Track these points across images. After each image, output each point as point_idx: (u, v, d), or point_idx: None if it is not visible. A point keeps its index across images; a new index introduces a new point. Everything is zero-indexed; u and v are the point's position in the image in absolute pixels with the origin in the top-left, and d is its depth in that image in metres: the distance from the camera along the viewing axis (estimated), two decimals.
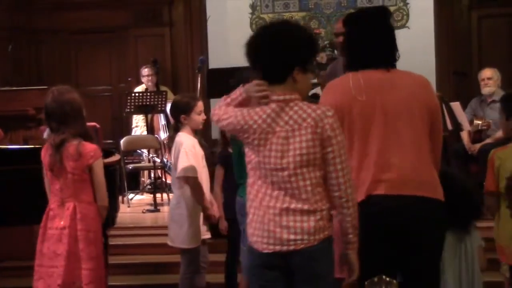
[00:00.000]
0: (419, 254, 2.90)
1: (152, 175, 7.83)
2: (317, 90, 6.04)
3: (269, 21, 3.34)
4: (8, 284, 5.42)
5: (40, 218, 3.78)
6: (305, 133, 2.65)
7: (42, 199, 3.85)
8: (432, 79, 6.96)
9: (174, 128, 4.49)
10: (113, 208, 4.63)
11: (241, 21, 9.57)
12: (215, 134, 8.54)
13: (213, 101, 8.00)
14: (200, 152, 4.40)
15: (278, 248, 2.68)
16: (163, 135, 8.20)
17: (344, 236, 2.73)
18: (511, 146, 3.89)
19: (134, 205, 7.50)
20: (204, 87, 7.42)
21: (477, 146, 6.70)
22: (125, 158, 7.70)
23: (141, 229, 6.53)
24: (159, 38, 9.33)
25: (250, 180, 2.79)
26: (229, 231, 4.60)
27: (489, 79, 6.91)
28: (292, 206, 2.67)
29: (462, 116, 6.65)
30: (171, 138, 4.48)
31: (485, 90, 6.94)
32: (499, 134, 6.46)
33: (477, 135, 6.94)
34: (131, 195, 7.65)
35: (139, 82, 8.58)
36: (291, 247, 2.67)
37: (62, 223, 3.67)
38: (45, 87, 5.43)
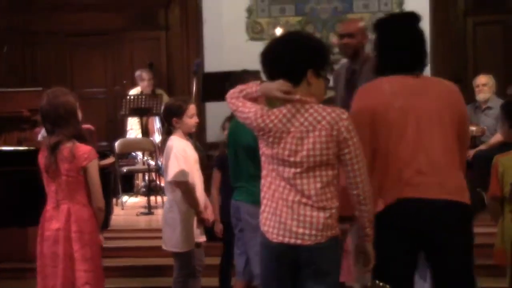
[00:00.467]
0: (451, 256, 2.94)
1: (147, 178, 7.82)
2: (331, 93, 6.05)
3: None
4: (7, 286, 5.41)
5: (35, 219, 3.78)
6: (319, 135, 2.78)
7: (37, 201, 3.84)
8: None
9: (166, 132, 4.48)
10: (107, 210, 4.63)
11: (237, 25, 9.56)
12: (210, 137, 8.57)
13: (208, 104, 8.02)
14: (192, 155, 4.38)
15: (287, 240, 2.82)
16: (158, 138, 8.18)
17: (362, 230, 2.90)
18: None
19: (128, 207, 7.48)
20: (199, 91, 7.42)
21: (472, 152, 6.71)
22: (119, 160, 7.68)
23: (135, 231, 6.53)
24: (155, 41, 9.34)
25: (263, 172, 2.93)
26: (224, 234, 4.61)
27: (483, 85, 6.92)
28: (304, 200, 2.81)
29: None
30: (164, 142, 4.48)
31: (480, 96, 6.94)
32: (494, 140, 6.49)
33: (472, 141, 6.95)
34: (125, 198, 7.64)
35: (134, 85, 8.57)
36: (299, 241, 2.80)
37: (57, 225, 3.68)
38: (40, 88, 5.43)
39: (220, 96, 7.04)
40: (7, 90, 6.63)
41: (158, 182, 7.76)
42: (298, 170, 2.81)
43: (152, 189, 7.55)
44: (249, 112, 2.90)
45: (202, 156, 4.63)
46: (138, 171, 8.12)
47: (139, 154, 8.11)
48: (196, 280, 4.48)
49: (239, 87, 2.99)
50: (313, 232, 2.80)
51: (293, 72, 2.86)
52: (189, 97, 6.76)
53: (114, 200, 6.88)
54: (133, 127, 8.36)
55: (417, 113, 2.94)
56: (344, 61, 5.06)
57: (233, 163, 4.10)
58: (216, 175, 4.66)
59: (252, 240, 3.96)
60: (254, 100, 2.94)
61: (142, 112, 7.82)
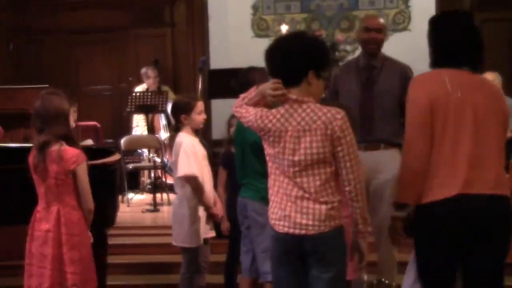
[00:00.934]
0: (496, 252, 3.00)
1: (152, 175, 7.82)
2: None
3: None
4: (8, 284, 5.42)
5: None
6: (315, 134, 2.91)
7: None
8: None
9: (174, 128, 4.51)
10: (113, 207, 4.64)
11: (243, 22, 9.56)
12: (215, 134, 8.57)
13: (214, 101, 8.02)
14: (201, 151, 4.42)
15: (291, 230, 2.96)
16: (163, 135, 8.20)
17: (355, 226, 3.02)
18: None
19: (134, 204, 7.49)
20: (205, 88, 7.42)
21: None
22: (125, 157, 7.70)
23: (141, 228, 6.53)
24: (161, 38, 9.34)
25: (269, 170, 3.07)
26: (230, 232, 4.61)
27: None
28: (306, 195, 2.94)
29: None
30: (172, 138, 4.50)
31: None
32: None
33: None
34: (131, 195, 7.65)
35: (140, 82, 8.58)
36: (303, 231, 2.94)
37: (47, 226, 3.71)
38: (46, 86, 5.43)
39: (225, 93, 7.11)
40: (13, 87, 6.65)
41: (163, 179, 7.77)
42: (297, 168, 2.94)
43: (157, 186, 7.56)
44: (250, 115, 3.07)
45: (208, 153, 4.64)
46: (143, 168, 8.13)
47: (145, 151, 8.13)
48: (201, 276, 4.50)
49: (242, 96, 3.16)
50: (316, 223, 2.93)
51: (295, 72, 2.97)
52: (197, 94, 6.79)
53: (120, 197, 6.89)
54: (139, 124, 8.37)
55: (474, 106, 2.99)
56: (348, 58, 5.01)
57: (239, 160, 4.11)
58: (222, 173, 4.68)
59: (258, 237, 3.97)
60: (257, 104, 3.10)
61: (148, 109, 7.82)
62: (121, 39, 9.33)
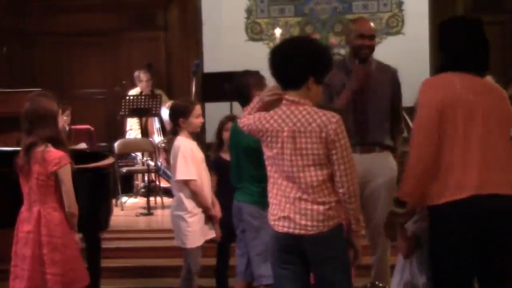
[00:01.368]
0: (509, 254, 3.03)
1: (146, 178, 7.82)
2: None
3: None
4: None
5: None
6: (310, 136, 2.97)
7: None
8: None
9: (172, 132, 4.54)
10: (107, 211, 4.63)
11: (236, 25, 9.55)
12: (209, 138, 8.56)
13: (208, 105, 8.01)
14: (199, 154, 4.46)
15: (291, 230, 3.02)
16: (157, 138, 8.19)
17: (348, 226, 3.09)
18: None
19: (128, 208, 7.48)
20: (198, 91, 7.42)
21: None
22: (119, 161, 7.68)
23: (135, 232, 6.53)
24: (154, 42, 9.34)
25: (268, 173, 3.14)
26: (221, 237, 4.60)
27: None
28: (304, 196, 3.00)
29: None
30: (170, 142, 4.51)
31: None
32: None
33: None
34: (124, 198, 7.64)
35: (134, 85, 8.57)
36: (302, 231, 3.00)
37: (28, 227, 3.72)
38: (39, 89, 5.42)
39: (219, 96, 7.10)
40: (6, 91, 6.63)
41: (157, 183, 7.76)
42: (294, 169, 3.00)
43: (151, 190, 7.55)
44: (249, 120, 3.17)
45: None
46: (137, 171, 8.11)
47: (139, 155, 8.11)
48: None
49: (245, 109, 3.35)
50: (315, 223, 2.99)
51: (296, 76, 3.04)
52: (191, 97, 6.78)
53: (113, 200, 6.87)
54: (132, 128, 8.36)
55: (484, 110, 3.03)
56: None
57: (235, 164, 4.12)
58: (212, 178, 4.68)
59: (254, 241, 3.97)
60: (259, 110, 3.19)
61: (142, 112, 7.82)
62: (115, 43, 9.32)
